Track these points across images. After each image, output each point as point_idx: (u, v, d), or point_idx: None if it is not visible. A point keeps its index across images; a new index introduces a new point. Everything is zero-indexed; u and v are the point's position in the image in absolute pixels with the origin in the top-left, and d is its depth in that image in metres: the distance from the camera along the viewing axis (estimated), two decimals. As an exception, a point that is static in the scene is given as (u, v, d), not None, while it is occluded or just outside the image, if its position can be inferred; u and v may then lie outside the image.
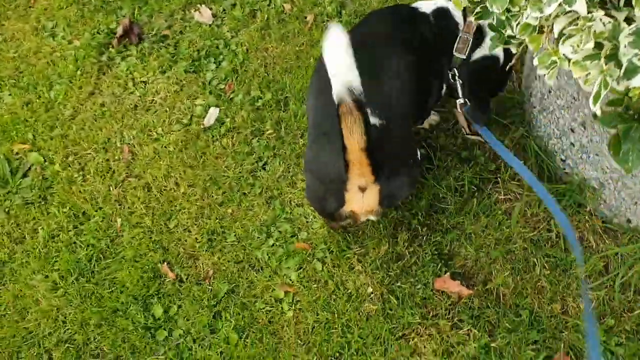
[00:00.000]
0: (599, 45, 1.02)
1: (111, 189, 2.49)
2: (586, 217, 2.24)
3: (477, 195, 2.36)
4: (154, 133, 2.62)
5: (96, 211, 2.45)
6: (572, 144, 2.12)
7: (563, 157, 2.23)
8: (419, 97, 2.16)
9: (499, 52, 2.20)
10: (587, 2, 0.98)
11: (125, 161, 2.55)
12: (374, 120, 1.86)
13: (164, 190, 2.48)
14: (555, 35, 1.14)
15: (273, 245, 2.34)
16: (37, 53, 2.92)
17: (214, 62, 2.78)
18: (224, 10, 2.96)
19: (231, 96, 2.68)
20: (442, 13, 2.19)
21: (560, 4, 0.99)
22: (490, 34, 2.13)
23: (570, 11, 1.05)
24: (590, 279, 2.19)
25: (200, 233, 2.37)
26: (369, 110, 1.84)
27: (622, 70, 0.95)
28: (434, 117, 2.53)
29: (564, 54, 1.09)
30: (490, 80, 2.32)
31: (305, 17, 2.91)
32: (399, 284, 2.22)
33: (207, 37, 2.87)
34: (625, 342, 2.09)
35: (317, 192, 2.05)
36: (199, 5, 2.94)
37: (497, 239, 2.28)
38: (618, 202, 2.11)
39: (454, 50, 2.15)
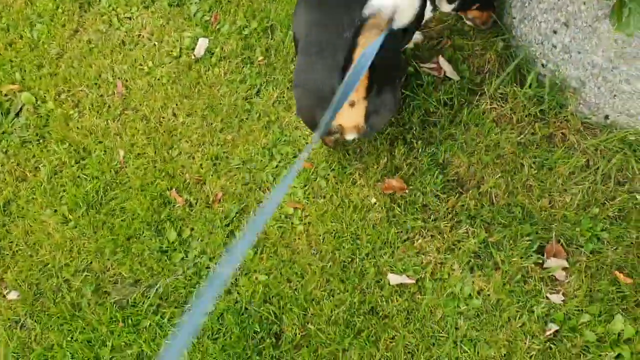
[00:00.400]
0: None
1: (109, 122, 2.52)
2: (567, 117, 2.42)
3: (465, 107, 2.50)
4: (145, 67, 2.64)
5: (97, 145, 2.48)
6: (554, 46, 2.28)
7: (544, 62, 2.39)
8: None
9: None
10: None
11: (120, 95, 2.57)
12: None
13: (163, 120, 2.52)
14: None
15: (277, 166, 2.44)
16: (13, -7, 2.86)
17: (197, -6, 2.80)
18: (199, -57, 2.96)
19: (218, 27, 2.72)
20: None
21: None
22: None
23: None
24: (574, 175, 2.39)
25: (204, 159, 2.44)
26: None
27: None
28: (418, 37, 2.64)
29: None
30: None
31: (282, -54, 2.94)
32: (400, 193, 2.36)
33: (187, -30, 2.87)
34: (609, 226, 2.30)
35: (307, 106, 2.09)
36: (174, -61, 2.93)
37: (487, 146, 2.44)
38: (597, 98, 2.29)
39: None
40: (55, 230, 2.32)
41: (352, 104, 1.96)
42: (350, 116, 2.00)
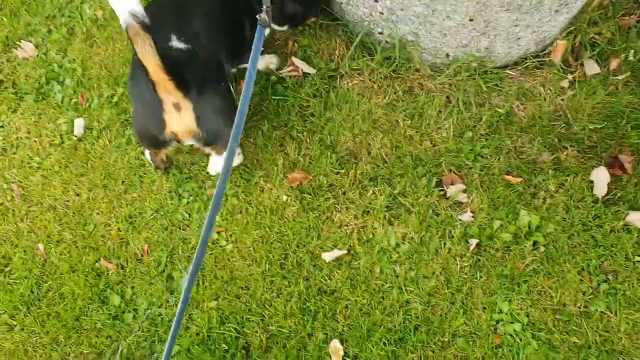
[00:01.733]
0: None
1: (19, 224, 2.56)
2: (417, 67, 2.72)
3: (332, 91, 2.74)
4: (34, 163, 2.70)
5: (15, 249, 2.52)
6: (381, 13, 2.56)
7: (380, 30, 2.68)
8: (230, 34, 2.44)
9: None
10: None
11: (20, 197, 2.62)
12: (179, 45, 2.12)
13: (69, 203, 2.59)
14: None
15: (188, 203, 2.57)
16: None
17: (58, 84, 2.89)
18: (43, 39, 3.07)
19: (88, 104, 2.83)
20: None
21: None
22: None
23: None
24: (441, 113, 2.68)
25: (119, 222, 2.53)
26: (174, 37, 2.11)
27: None
28: (271, 60, 2.83)
29: None
30: None
31: (120, 16, 3.11)
32: (305, 182, 2.56)
33: (40, 66, 2.96)
34: (486, 142, 2.60)
35: (140, 117, 2.21)
36: (18, 43, 3.03)
37: (362, 116, 2.69)
38: (433, 42, 2.59)
39: None
40: (3, 339, 2.34)
41: (177, 107, 2.07)
42: (180, 121, 2.10)
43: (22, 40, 3.05)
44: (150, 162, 2.62)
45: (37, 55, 3.01)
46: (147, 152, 2.61)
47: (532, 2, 2.30)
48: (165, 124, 2.11)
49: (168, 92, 2.00)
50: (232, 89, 2.31)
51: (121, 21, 1.78)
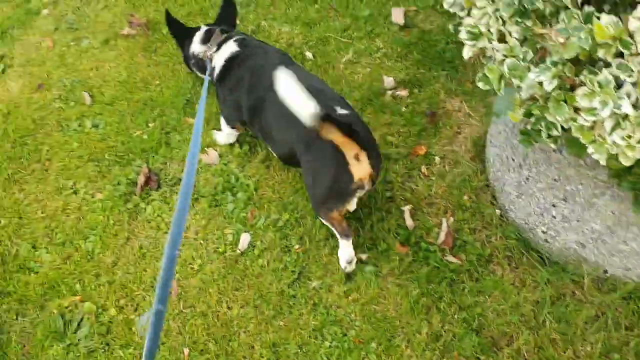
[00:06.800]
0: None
1: (170, 323, 2.55)
2: (573, 278, 2.66)
3: (487, 276, 2.71)
4: (195, 265, 2.74)
5: (160, 346, 2.50)
6: (553, 216, 2.55)
7: (544, 229, 2.66)
8: None
9: None
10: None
11: (176, 294, 2.64)
12: (342, 111, 2.45)
13: (219, 314, 2.58)
14: (608, 130, 1.57)
15: (330, 347, 2.51)
16: (65, 210, 2.96)
17: (231, 195, 2.98)
18: (225, 150, 3.22)
19: (255, 221, 2.89)
20: None
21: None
22: None
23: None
24: (587, 324, 2.58)
25: (263, 347, 2.48)
26: (338, 107, 2.44)
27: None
28: None
29: (613, 141, 1.52)
30: None
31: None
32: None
33: (219, 174, 3.07)
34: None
35: (332, 177, 2.41)
36: (206, 149, 3.18)
37: (511, 306, 2.62)
38: (597, 257, 2.54)
39: None
40: None
41: (357, 157, 2.35)
42: (362, 167, 2.37)
43: (209, 147, 3.20)
44: (338, 234, 2.60)
45: (219, 164, 3.14)
46: (332, 225, 2.62)
47: None
48: (352, 175, 2.36)
49: (350, 148, 2.30)
50: None
51: (307, 125, 2.14)
